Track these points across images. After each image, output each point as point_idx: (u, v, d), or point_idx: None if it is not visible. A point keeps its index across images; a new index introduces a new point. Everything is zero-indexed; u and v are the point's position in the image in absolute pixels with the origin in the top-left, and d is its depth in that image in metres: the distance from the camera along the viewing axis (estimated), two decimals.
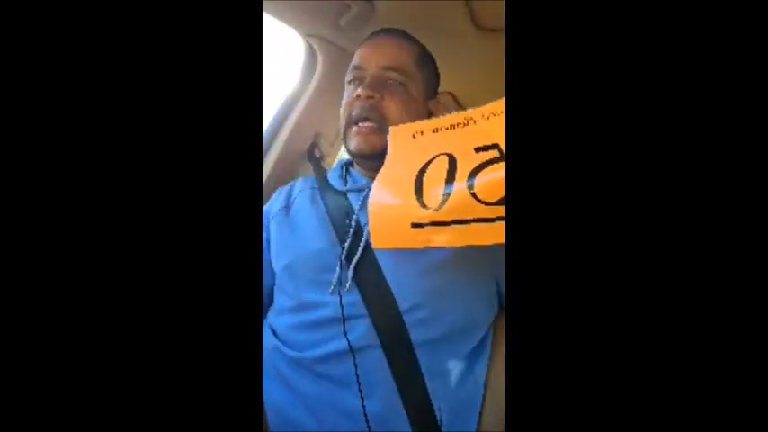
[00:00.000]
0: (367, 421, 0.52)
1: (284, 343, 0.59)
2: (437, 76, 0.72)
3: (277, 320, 0.63)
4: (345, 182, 0.70)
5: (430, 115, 0.68)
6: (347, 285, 0.57)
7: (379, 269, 0.58)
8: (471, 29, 0.83)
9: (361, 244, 0.59)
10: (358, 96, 0.63)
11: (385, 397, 0.53)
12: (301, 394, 0.56)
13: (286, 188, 0.75)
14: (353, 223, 0.62)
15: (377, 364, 0.54)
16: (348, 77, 0.68)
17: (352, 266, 0.58)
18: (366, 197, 0.62)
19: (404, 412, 0.52)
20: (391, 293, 0.56)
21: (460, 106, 1.17)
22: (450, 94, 1.14)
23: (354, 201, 0.65)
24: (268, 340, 0.62)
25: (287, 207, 0.70)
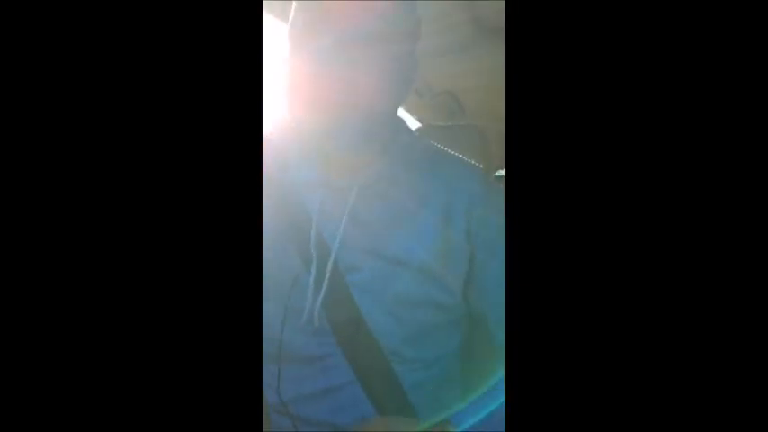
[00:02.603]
0: None
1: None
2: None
3: None
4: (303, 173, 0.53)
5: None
6: (315, 321, 0.48)
7: (351, 300, 0.48)
8: (472, 27, 0.83)
9: (328, 269, 0.48)
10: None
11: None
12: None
13: None
14: (312, 239, 0.49)
15: (359, 398, 0.48)
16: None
17: (319, 300, 0.48)
18: (325, 198, 0.50)
19: None
20: (367, 329, 0.48)
21: (460, 105, 1.17)
22: (449, 93, 1.14)
23: (310, 202, 0.51)
24: None
25: None
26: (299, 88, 0.49)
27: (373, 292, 0.49)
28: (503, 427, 0.37)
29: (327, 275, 0.48)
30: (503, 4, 0.33)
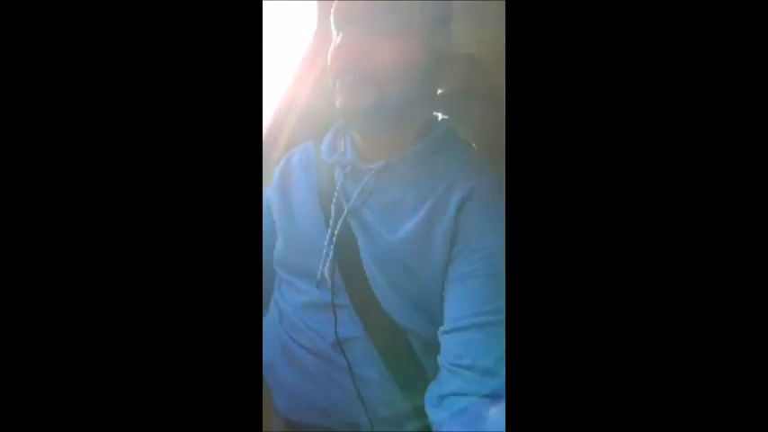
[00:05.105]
0: (366, 407, 0.51)
1: (284, 319, 0.58)
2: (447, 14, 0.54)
3: (280, 296, 0.61)
4: (334, 150, 0.60)
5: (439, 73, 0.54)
6: (331, 277, 0.53)
7: (358, 262, 0.52)
8: None
9: (336, 229, 0.53)
10: (339, 46, 0.49)
11: (381, 385, 0.51)
12: (306, 370, 0.54)
13: (283, 160, 0.66)
14: (333, 207, 0.55)
15: (367, 353, 0.52)
16: (334, 23, 0.52)
17: (328, 262, 0.53)
18: (349, 175, 0.55)
19: (403, 399, 0.50)
20: (371, 290, 0.51)
21: (479, 68, 1.12)
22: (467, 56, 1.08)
23: (339, 176, 0.57)
24: (273, 313, 0.61)
25: (283, 180, 0.63)
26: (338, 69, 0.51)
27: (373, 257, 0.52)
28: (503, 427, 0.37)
29: (334, 240, 0.53)
30: (502, 4, 0.31)
